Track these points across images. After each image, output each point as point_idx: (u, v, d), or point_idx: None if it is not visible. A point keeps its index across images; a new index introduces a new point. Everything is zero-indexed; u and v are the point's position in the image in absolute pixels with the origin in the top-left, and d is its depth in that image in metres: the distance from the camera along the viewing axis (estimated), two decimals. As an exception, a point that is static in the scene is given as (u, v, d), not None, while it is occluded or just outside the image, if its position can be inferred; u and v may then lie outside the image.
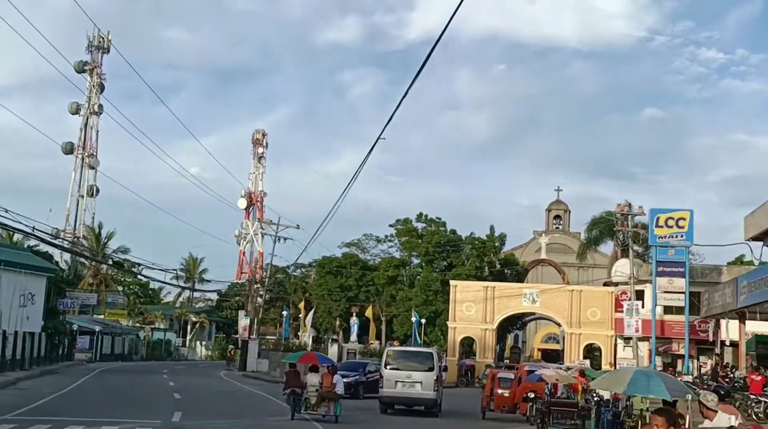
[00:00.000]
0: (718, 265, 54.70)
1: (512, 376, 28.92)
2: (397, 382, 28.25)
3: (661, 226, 46.02)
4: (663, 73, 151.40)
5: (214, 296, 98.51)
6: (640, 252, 60.82)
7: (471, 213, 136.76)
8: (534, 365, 31.78)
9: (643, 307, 52.02)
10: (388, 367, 28.57)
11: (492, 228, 64.47)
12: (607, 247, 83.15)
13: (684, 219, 46.01)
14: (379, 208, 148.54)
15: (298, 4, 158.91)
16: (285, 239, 65.05)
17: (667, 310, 51.05)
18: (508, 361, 67.55)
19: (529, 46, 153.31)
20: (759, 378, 29.63)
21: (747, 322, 41.98)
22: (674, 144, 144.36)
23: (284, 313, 60.18)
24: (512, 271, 65.51)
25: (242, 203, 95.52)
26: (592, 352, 57.86)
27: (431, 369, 28.51)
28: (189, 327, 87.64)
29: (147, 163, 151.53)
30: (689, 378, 46.08)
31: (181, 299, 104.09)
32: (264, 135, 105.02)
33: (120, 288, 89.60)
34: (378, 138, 16.12)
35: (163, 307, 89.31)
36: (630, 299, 51.45)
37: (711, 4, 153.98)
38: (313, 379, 24.50)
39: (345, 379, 27.91)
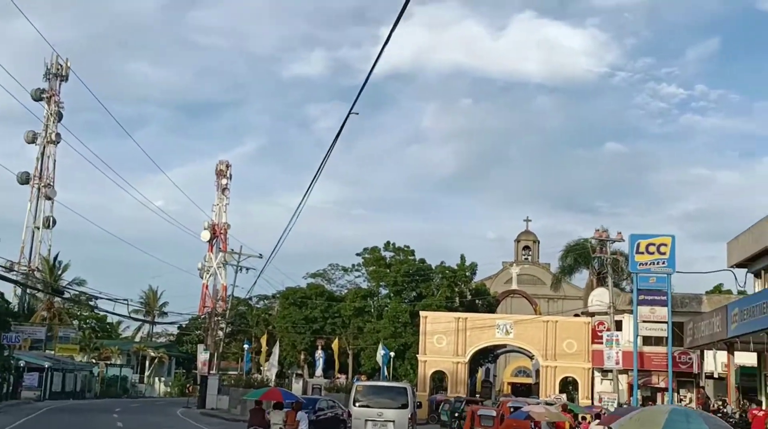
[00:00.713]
0: (698, 293, 52.48)
1: (494, 414, 26.20)
2: (367, 421, 25.45)
3: (642, 253, 43.63)
4: (625, 109, 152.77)
5: (176, 330, 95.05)
6: (616, 281, 58.61)
7: (437, 246, 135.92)
8: (518, 401, 29.04)
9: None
10: (357, 404, 25.76)
11: (462, 257, 61.91)
12: (580, 278, 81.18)
13: (665, 245, 43.67)
14: (344, 242, 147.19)
15: (264, 39, 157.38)
16: (247, 269, 62.29)
17: (646, 340, 48.64)
18: (479, 395, 64.75)
19: (495, 81, 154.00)
20: (762, 413, 27.12)
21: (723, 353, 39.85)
22: (637, 178, 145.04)
23: (245, 346, 56.92)
24: (483, 301, 62.86)
25: (205, 235, 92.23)
26: (567, 385, 55.22)
27: (405, 406, 25.75)
28: (147, 362, 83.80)
29: (109, 196, 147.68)
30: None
31: (141, 334, 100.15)
32: (228, 166, 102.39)
33: (76, 322, 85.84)
34: (349, 113, 13.50)
35: (119, 342, 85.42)
36: (609, 330, 49.09)
37: (670, 41, 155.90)
38: (276, 417, 23.02)
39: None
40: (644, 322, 44.50)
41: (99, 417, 41.09)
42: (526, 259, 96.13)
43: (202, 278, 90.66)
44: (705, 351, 42.18)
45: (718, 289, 60.79)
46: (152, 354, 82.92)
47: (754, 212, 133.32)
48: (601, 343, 50.51)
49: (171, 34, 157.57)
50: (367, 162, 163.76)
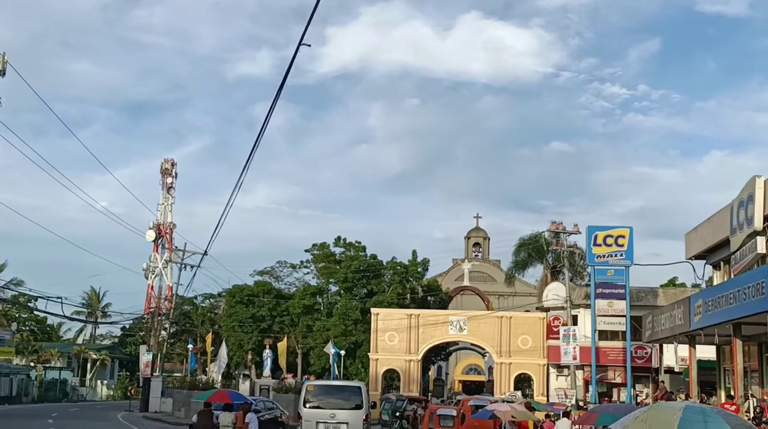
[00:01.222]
0: (654, 287, 51.37)
1: (454, 413, 24.41)
2: (318, 423, 23.48)
3: (600, 245, 42.34)
4: (569, 108, 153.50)
5: (119, 332, 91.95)
6: (571, 275, 57.36)
7: (386, 246, 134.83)
8: (480, 399, 27.27)
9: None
10: (307, 405, 23.78)
11: (414, 253, 60.17)
12: (532, 274, 79.95)
13: (623, 237, 42.42)
14: (293, 242, 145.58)
15: (208, 38, 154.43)
16: (192, 267, 59.84)
17: (601, 335, 47.35)
18: (431, 394, 63.06)
19: (441, 81, 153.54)
20: (734, 407, 25.71)
21: (680, 347, 38.70)
22: (581, 177, 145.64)
23: (189, 346, 54.47)
24: (435, 298, 61.17)
25: (150, 235, 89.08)
26: (522, 382, 53.80)
27: (359, 407, 23.83)
28: (89, 365, 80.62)
29: (51, 197, 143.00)
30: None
31: (84, 336, 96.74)
32: (173, 164, 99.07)
33: (15, 325, 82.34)
34: (299, 44, 11.62)
35: (59, 345, 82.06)
36: (565, 324, 47.74)
37: (613, 41, 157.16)
38: (226, 419, 22.51)
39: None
40: (602, 316, 43.23)
41: (32, 423, 38.50)
42: (477, 256, 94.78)
43: (147, 279, 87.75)
44: (664, 345, 40.96)
45: (672, 283, 59.93)
46: (94, 356, 79.75)
47: (695, 210, 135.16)
48: (557, 338, 49.15)
49: (113, 34, 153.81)
50: (315, 162, 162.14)
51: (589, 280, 46.57)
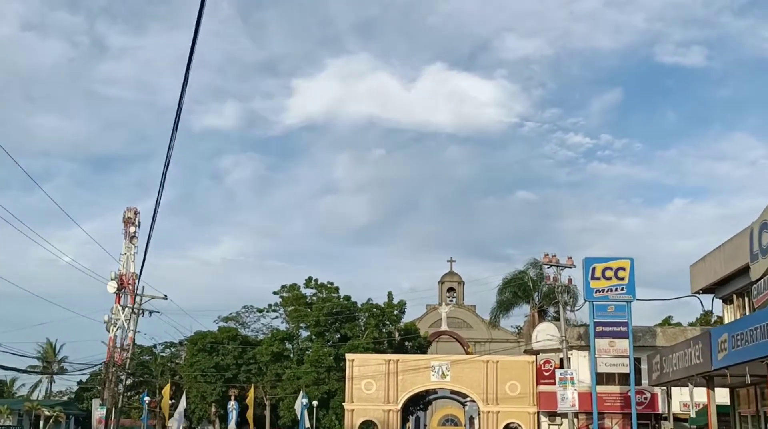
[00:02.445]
0: (651, 326, 47.11)
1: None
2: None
3: (598, 278, 38.02)
4: (534, 157, 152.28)
5: (76, 386, 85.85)
6: (556, 313, 53.07)
7: (353, 296, 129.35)
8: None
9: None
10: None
11: (390, 294, 55.59)
12: (506, 323, 75.63)
13: (623, 269, 38.17)
14: (259, 293, 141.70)
15: (173, 91, 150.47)
16: (150, 312, 54.72)
17: (598, 379, 42.92)
18: None
19: (406, 132, 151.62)
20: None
21: (681, 390, 34.44)
22: (546, 225, 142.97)
23: (146, 398, 49.02)
24: (414, 343, 56.40)
25: (112, 286, 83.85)
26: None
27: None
28: (42, 423, 74.24)
29: (8, 252, 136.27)
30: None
31: (39, 392, 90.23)
32: (136, 213, 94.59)
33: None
34: None
35: (9, 401, 75.64)
36: (558, 367, 43.25)
37: (575, 92, 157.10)
38: None
39: None
40: (602, 357, 38.78)
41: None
42: (452, 301, 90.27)
43: (108, 331, 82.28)
44: (672, 388, 36.55)
45: (666, 322, 55.79)
46: (47, 413, 73.36)
47: (660, 257, 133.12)
48: (549, 383, 44.69)
49: (77, 87, 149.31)
50: (282, 213, 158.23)
51: (580, 319, 42.40)
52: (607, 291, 37.94)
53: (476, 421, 66.81)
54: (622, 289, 37.93)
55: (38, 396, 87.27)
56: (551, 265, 40.11)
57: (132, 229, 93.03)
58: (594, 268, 38.13)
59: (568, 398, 38.77)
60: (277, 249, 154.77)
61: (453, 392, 64.71)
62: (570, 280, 40.37)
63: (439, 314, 75.94)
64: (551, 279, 39.99)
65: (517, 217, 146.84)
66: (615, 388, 43.85)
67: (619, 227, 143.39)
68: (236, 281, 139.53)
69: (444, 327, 66.94)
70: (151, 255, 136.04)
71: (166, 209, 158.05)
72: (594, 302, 38.12)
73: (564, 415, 43.63)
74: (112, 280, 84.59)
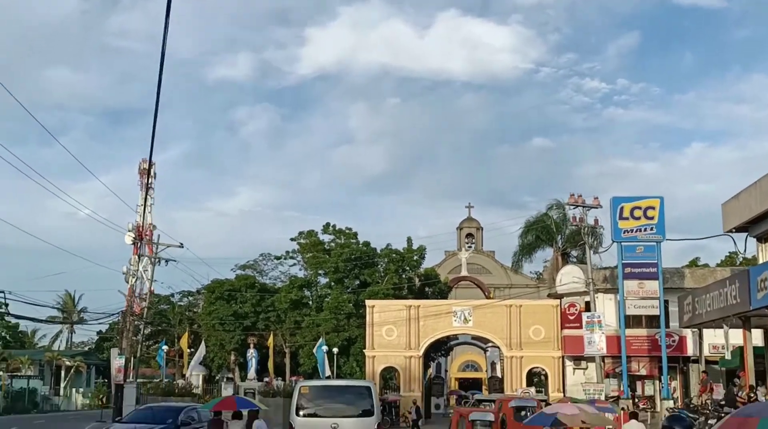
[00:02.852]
0: (679, 267, 45.69)
1: (491, 418, 18.45)
2: (317, 436, 17.50)
3: (626, 218, 36.54)
4: (549, 104, 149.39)
5: (96, 337, 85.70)
6: (579, 256, 51.73)
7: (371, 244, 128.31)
8: (524, 399, 21.20)
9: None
10: (301, 412, 17.80)
11: (409, 240, 54.23)
12: (531, 266, 74.39)
13: (653, 208, 36.66)
14: (276, 245, 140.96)
15: (186, 42, 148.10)
16: (167, 261, 53.90)
17: (625, 322, 41.65)
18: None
19: (420, 81, 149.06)
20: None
21: (715, 332, 33.14)
22: (562, 172, 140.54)
23: (164, 347, 48.18)
24: (434, 289, 55.16)
25: (129, 238, 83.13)
26: (533, 377, 48.11)
27: (368, 412, 17.83)
28: (63, 373, 74.03)
29: (27, 206, 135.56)
30: (671, 404, 36.61)
31: (59, 343, 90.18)
32: (151, 164, 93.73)
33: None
34: None
35: (29, 352, 75.40)
36: (583, 310, 42.06)
37: (591, 36, 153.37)
38: (235, 428, 20.45)
39: None
40: (631, 299, 37.47)
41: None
42: (470, 247, 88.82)
43: (127, 282, 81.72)
44: (704, 330, 35.26)
45: (694, 264, 54.31)
46: (68, 363, 73.09)
47: (678, 202, 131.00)
48: (574, 327, 43.53)
49: (90, 40, 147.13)
50: (297, 164, 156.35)
51: (605, 262, 40.99)
52: (636, 231, 36.50)
53: (498, 367, 65.97)
54: (652, 229, 36.48)
55: (59, 347, 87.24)
56: (577, 206, 38.64)
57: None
58: (622, 208, 36.64)
59: (595, 342, 37.58)
60: (293, 200, 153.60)
61: (474, 338, 63.73)
62: (596, 221, 38.94)
63: (459, 260, 74.63)
64: (577, 220, 38.52)
65: (534, 164, 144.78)
66: (642, 331, 42.67)
67: (636, 172, 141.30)
68: (253, 232, 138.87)
69: (464, 273, 65.70)
70: (168, 208, 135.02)
71: (182, 162, 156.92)
72: (622, 243, 36.70)
73: (590, 359, 42.58)
74: (129, 231, 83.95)
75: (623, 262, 36.64)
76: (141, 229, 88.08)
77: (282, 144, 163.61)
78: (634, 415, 19.37)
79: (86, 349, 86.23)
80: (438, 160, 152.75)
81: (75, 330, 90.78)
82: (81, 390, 74.38)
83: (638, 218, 36.48)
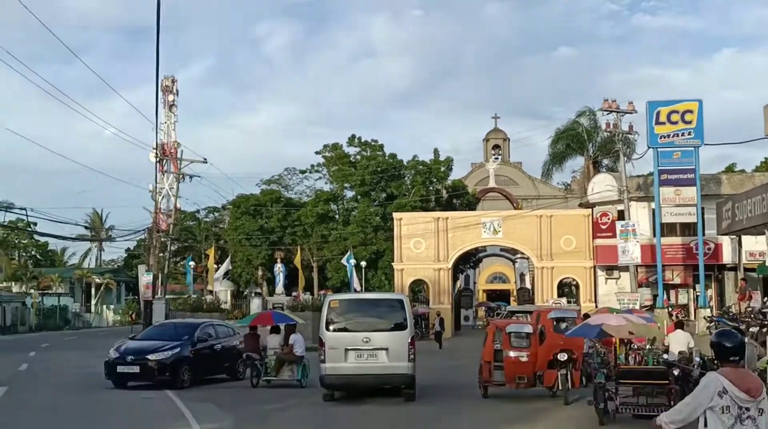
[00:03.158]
0: (715, 173, 44.27)
1: (529, 329, 17.59)
2: (348, 350, 16.76)
3: (663, 123, 34.92)
4: (576, 12, 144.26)
5: (125, 254, 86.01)
6: (610, 165, 50.38)
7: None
8: (564, 310, 20.26)
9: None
10: (331, 327, 17.01)
11: (436, 151, 53.06)
12: (559, 176, 73.02)
13: (691, 111, 35.01)
14: (300, 161, 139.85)
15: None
16: (191, 177, 53.25)
17: (656, 231, 40.53)
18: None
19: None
20: None
21: (756, 239, 31.98)
22: (589, 81, 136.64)
23: (191, 263, 47.80)
24: (461, 201, 54.15)
25: (153, 156, 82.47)
26: (564, 288, 47.39)
27: (401, 326, 17.03)
28: (93, 290, 74.51)
29: (52, 127, 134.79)
30: (708, 312, 35.70)
31: (89, 261, 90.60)
32: (174, 81, 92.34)
33: (16, 252, 76.38)
34: None
35: (60, 270, 75.80)
36: (615, 220, 40.99)
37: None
38: (272, 342, 20.99)
39: (154, 356, 20.11)
40: (668, 206, 36.25)
41: (8, 357, 32.08)
42: (497, 158, 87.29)
43: (153, 201, 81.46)
44: (743, 236, 34.11)
45: (730, 170, 52.76)
46: (98, 280, 73.53)
47: (708, 109, 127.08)
48: (606, 237, 42.52)
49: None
50: (320, 79, 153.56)
51: (637, 171, 39.67)
52: (673, 136, 34.94)
53: (527, 278, 65.44)
54: (690, 133, 34.91)
55: (88, 265, 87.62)
56: (611, 112, 37.10)
57: (170, 97, 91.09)
58: (658, 112, 35.03)
59: (630, 251, 36.50)
60: (317, 115, 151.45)
61: (503, 249, 63.04)
62: (631, 127, 37.35)
63: (486, 172, 73.42)
64: (611, 126, 37.02)
65: (559, 74, 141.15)
66: (676, 240, 41.63)
67: (664, 80, 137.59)
68: (278, 149, 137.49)
69: (492, 184, 64.65)
70: (193, 126, 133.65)
71: (206, 79, 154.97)
72: (658, 149, 35.24)
73: (623, 268, 41.68)
74: (153, 149, 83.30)
75: (659, 168, 35.24)
76: (165, 147, 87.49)
77: (305, 59, 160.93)
78: (679, 325, 18.46)
79: (115, 266, 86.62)
80: (462, 72, 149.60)
81: (104, 248, 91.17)
82: (112, 307, 75.00)
83: (675, 123, 34.91)
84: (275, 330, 21.59)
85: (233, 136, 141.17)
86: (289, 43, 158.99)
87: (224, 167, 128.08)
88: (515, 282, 69.84)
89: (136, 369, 19.84)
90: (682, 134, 34.97)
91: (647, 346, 20.59)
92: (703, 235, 38.79)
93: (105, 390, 19.57)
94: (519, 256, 63.39)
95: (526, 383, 17.37)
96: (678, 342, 17.23)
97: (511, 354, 17.33)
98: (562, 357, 16.90)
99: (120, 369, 19.91)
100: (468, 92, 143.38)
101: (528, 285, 62.44)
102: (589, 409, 15.07)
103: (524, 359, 17.25)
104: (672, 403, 13.40)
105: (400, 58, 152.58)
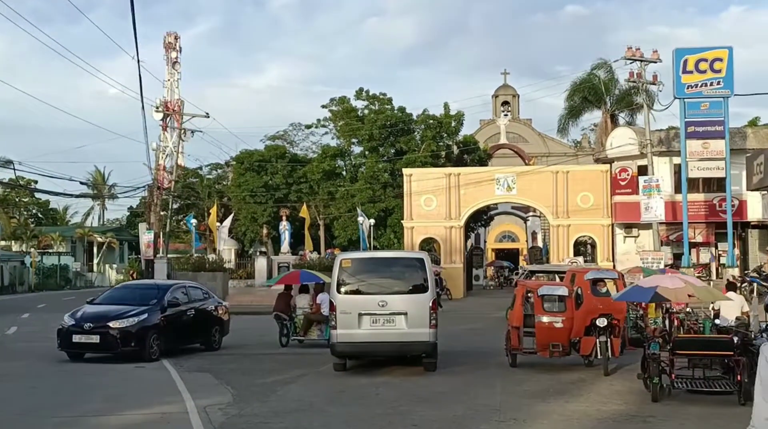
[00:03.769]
0: (739, 127, 42.04)
1: (564, 292, 15.62)
2: (362, 315, 14.86)
3: (690, 72, 32.88)
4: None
5: (127, 213, 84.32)
6: (628, 119, 48.18)
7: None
8: (602, 272, 18.24)
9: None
10: (343, 289, 15.09)
11: (446, 105, 50.74)
12: (573, 133, 70.69)
13: (721, 59, 32.92)
14: (306, 120, 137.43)
15: None
16: (193, 132, 51.22)
17: (678, 187, 38.51)
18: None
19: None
20: None
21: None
22: (596, 40, 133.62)
23: (193, 221, 45.86)
24: (473, 157, 52.05)
25: (158, 114, 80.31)
26: (580, 246, 45.45)
27: (422, 288, 15.09)
28: (95, 249, 72.74)
29: (57, 86, 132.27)
30: (736, 272, 33.86)
31: (92, 220, 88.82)
32: (177, 38, 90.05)
33: (18, 210, 74.55)
34: None
35: (60, 228, 74.00)
36: (636, 176, 38.98)
37: None
38: (302, 301, 20.91)
39: (116, 323, 17.19)
40: (695, 160, 34.21)
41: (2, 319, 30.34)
42: (506, 115, 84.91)
43: (158, 159, 79.48)
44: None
45: (753, 123, 50.50)
46: (99, 239, 71.67)
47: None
48: (624, 193, 40.61)
49: None
50: (326, 38, 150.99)
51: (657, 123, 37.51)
52: (701, 86, 32.91)
53: (539, 236, 63.51)
54: (719, 82, 32.85)
55: (91, 224, 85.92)
56: (634, 60, 34.82)
57: (173, 54, 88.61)
58: (686, 61, 32.94)
59: (653, 207, 34.57)
60: (323, 74, 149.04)
61: (514, 207, 61.07)
62: (655, 77, 35.05)
63: (496, 128, 71.38)
64: (635, 75, 34.72)
65: (567, 32, 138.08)
66: (698, 196, 39.61)
67: (673, 38, 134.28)
68: (284, 108, 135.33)
69: (503, 140, 62.49)
70: (198, 84, 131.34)
71: (211, 38, 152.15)
72: (685, 99, 33.12)
73: (643, 226, 39.80)
74: (157, 108, 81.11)
75: (686, 120, 33.14)
76: (169, 105, 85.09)
77: (311, 17, 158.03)
78: (732, 287, 16.56)
79: (118, 225, 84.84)
80: (470, 30, 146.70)
81: (107, 207, 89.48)
82: (115, 266, 73.21)
83: (704, 72, 32.82)
84: (304, 289, 21.42)
85: (239, 95, 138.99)
86: (296, 1, 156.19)
87: (229, 126, 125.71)
88: (527, 241, 67.95)
89: (95, 339, 17.04)
90: (711, 84, 32.92)
91: (688, 310, 18.74)
92: (723, 191, 37.03)
93: (89, 359, 17.66)
94: (531, 214, 61.41)
95: (560, 351, 15.46)
96: (731, 306, 15.30)
97: (544, 319, 15.40)
98: (602, 323, 14.98)
99: (76, 338, 17.14)
100: (475, 50, 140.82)
101: (540, 244, 60.55)
102: (635, 382, 13.23)
103: (559, 325, 15.33)
104: (740, 377, 11.52)
105: (406, 16, 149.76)
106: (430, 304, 14.94)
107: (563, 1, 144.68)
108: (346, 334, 14.87)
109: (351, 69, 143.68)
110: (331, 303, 15.19)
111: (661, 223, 37.71)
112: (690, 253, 39.38)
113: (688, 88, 32.87)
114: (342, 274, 15.13)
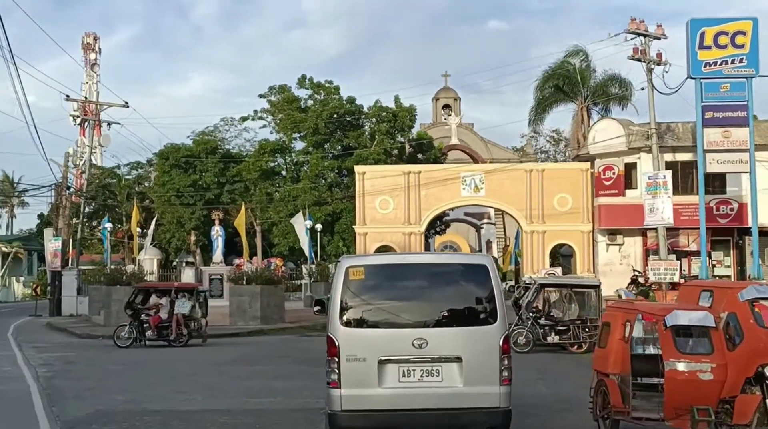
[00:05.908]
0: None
1: (712, 321, 9.29)
2: (385, 363, 8.18)
3: (708, 47, 27.22)
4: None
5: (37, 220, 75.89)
6: (601, 112, 42.81)
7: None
8: (765, 289, 11.91)
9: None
10: (350, 317, 8.42)
11: (397, 98, 44.45)
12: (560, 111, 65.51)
13: (744, 33, 27.36)
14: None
15: None
16: (110, 124, 43.96)
17: (674, 187, 32.97)
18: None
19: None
20: None
21: None
22: (517, 55, 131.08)
23: (108, 226, 38.35)
24: (427, 156, 45.93)
25: (72, 116, 72.87)
26: (557, 256, 39.74)
27: (487, 315, 8.53)
28: (0, 259, 64.20)
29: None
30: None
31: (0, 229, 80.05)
32: (96, 39, 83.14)
33: None
34: None
35: (-43, 238, 65.30)
36: (619, 174, 33.44)
37: None
38: None
39: None
40: (713, 151, 28.58)
41: None
42: (446, 119, 79.44)
43: (73, 166, 71.68)
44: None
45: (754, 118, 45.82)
46: (4, 249, 63.18)
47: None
48: (609, 195, 35.14)
49: None
50: (250, 48, 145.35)
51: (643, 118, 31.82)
52: (721, 63, 27.26)
53: (494, 246, 57.73)
54: (741, 60, 27.28)
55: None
56: (637, 35, 28.99)
57: (92, 56, 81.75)
58: (703, 34, 27.28)
59: (659, 209, 28.70)
60: (247, 85, 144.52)
61: (467, 214, 55.33)
62: (660, 55, 29.25)
63: (443, 130, 65.50)
64: (639, 52, 28.86)
65: (489, 47, 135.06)
66: (693, 199, 34.06)
67: (594, 55, 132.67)
68: (204, 119, 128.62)
69: (454, 141, 56.53)
70: (118, 91, 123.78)
71: (131, 44, 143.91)
72: (702, 79, 27.45)
73: (630, 232, 34.42)
74: (74, 112, 73.04)
75: (703, 104, 27.47)
76: (87, 108, 76.35)
77: (234, 27, 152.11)
78: None
79: (27, 234, 76.27)
80: (395, 41, 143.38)
81: (16, 215, 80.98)
82: (21, 279, 64.85)
83: (724, 47, 27.20)
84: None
85: (160, 104, 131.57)
86: (219, 11, 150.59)
87: (149, 135, 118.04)
88: (473, 252, 62.20)
89: None
90: (732, 61, 27.36)
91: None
92: (724, 193, 32.09)
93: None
94: (485, 221, 55.75)
95: (708, 420, 9.09)
96: None
97: (681, 367, 9.02)
98: (776, 371, 8.76)
99: None
100: (400, 62, 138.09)
101: (495, 254, 54.80)
102: None
103: (707, 376, 9.00)
104: None
105: (331, 28, 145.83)
106: (501, 343, 8.43)
107: (485, 15, 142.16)
108: (356, 397, 8.21)
109: (275, 80, 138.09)
110: (329, 340, 8.47)
111: (649, 227, 32.08)
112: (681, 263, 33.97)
113: (705, 66, 27.23)
114: (348, 292, 8.49)
